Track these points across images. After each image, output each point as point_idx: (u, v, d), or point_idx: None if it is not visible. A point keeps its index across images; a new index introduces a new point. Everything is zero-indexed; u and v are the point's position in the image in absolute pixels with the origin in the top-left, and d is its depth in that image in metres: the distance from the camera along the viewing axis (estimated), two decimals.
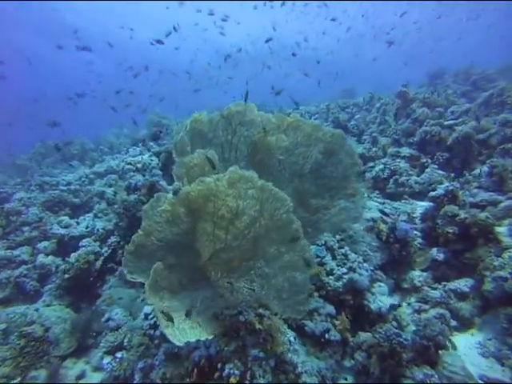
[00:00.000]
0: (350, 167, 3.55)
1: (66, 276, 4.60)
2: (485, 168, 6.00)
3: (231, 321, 2.72)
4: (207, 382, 2.64)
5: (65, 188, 7.43)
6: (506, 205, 4.83)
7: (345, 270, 3.98)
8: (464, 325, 4.01)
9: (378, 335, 3.41)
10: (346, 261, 4.13)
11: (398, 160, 7.16)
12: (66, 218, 6.15)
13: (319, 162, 3.56)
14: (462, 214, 4.63)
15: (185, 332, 2.33)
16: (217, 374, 2.64)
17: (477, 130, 6.96)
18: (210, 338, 2.43)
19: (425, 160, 7.09)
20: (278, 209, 2.40)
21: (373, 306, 3.83)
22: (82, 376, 3.62)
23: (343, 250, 4.27)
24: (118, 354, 3.34)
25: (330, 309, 3.71)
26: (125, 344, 3.45)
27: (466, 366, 3.28)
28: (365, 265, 4.18)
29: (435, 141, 7.27)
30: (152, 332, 3.18)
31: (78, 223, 6.03)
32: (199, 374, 2.73)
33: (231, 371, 2.56)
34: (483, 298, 4.06)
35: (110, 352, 3.54)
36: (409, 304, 4.41)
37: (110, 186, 7.03)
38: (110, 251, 5.08)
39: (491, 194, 5.41)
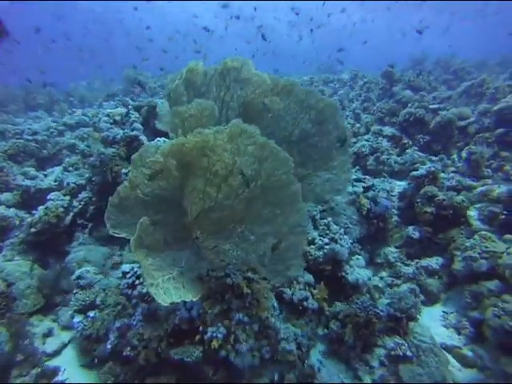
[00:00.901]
0: (338, 139, 3.45)
1: (33, 230, 4.26)
2: (463, 154, 6.18)
3: (217, 283, 2.62)
4: (187, 344, 2.57)
5: (30, 138, 6.80)
6: (482, 190, 4.99)
7: (327, 241, 3.98)
8: (431, 299, 4.21)
9: (355, 306, 3.48)
10: (328, 231, 4.12)
11: (381, 138, 7.21)
12: (31, 170, 5.66)
13: (307, 131, 3.40)
14: (441, 196, 4.74)
15: (169, 292, 2.20)
16: (198, 337, 2.57)
17: (458, 117, 7.09)
18: (195, 299, 2.33)
19: (406, 141, 7.19)
20: (278, 169, 2.26)
21: (350, 278, 3.89)
22: (49, 334, 3.44)
23: (326, 221, 4.26)
24: (91, 313, 3.17)
25: (309, 277, 3.72)
26: (97, 303, 3.28)
27: (433, 336, 3.46)
28: (345, 237, 4.21)
29: (418, 123, 7.35)
30: (129, 291, 3.02)
31: (45, 176, 5.57)
32: (179, 335, 2.65)
33: (214, 334, 2.49)
34: (451, 275, 4.26)
35: (81, 311, 3.35)
36: (381, 278, 4.54)
37: (82, 139, 6.51)
38: (80, 207, 4.74)
39: (467, 179, 5.60)
